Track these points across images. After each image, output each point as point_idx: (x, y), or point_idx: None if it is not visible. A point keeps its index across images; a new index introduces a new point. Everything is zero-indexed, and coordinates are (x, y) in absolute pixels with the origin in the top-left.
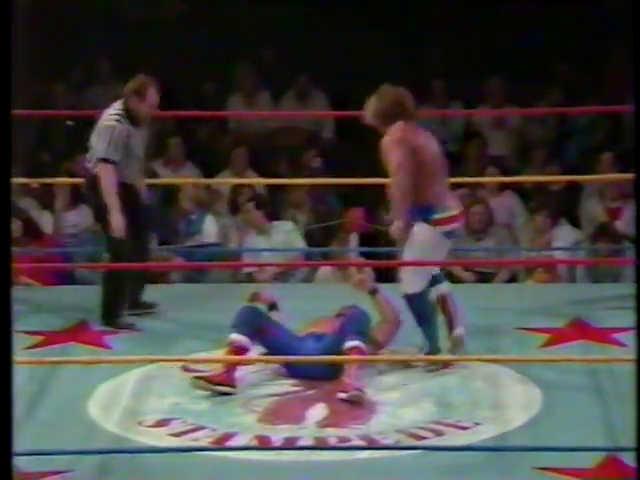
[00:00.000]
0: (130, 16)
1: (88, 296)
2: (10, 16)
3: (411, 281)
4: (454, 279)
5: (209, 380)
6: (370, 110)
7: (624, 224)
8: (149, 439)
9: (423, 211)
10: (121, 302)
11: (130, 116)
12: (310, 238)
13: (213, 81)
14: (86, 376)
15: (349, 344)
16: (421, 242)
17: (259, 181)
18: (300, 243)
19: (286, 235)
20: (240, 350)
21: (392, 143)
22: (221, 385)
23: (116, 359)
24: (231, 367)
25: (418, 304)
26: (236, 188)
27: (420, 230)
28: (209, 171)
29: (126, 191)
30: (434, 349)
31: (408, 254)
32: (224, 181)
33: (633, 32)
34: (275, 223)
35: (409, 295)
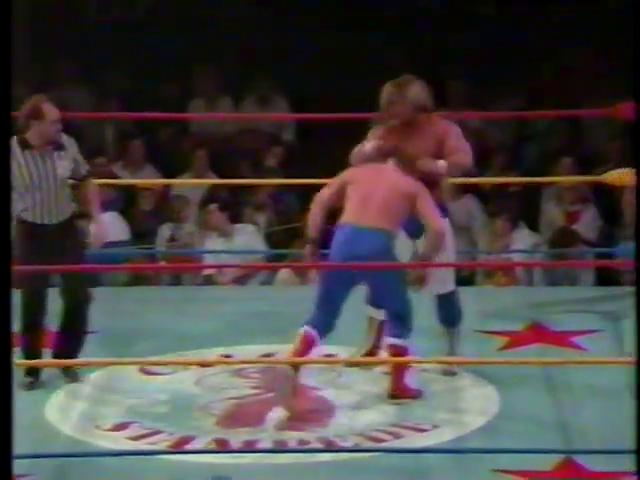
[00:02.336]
0: (93, 18)
1: (50, 299)
2: (10, 16)
3: (448, 279)
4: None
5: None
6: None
7: (582, 228)
8: (107, 442)
9: (446, 207)
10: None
11: (27, 144)
12: (271, 240)
13: (174, 83)
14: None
15: (390, 340)
16: (450, 237)
17: (219, 182)
18: (261, 246)
19: (248, 238)
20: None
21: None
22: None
23: (73, 362)
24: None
25: (454, 302)
26: (209, 192)
27: (446, 226)
28: (169, 173)
29: (21, 230)
30: (455, 352)
31: (446, 253)
32: (184, 182)
33: (633, 32)
34: (237, 226)
35: (446, 295)
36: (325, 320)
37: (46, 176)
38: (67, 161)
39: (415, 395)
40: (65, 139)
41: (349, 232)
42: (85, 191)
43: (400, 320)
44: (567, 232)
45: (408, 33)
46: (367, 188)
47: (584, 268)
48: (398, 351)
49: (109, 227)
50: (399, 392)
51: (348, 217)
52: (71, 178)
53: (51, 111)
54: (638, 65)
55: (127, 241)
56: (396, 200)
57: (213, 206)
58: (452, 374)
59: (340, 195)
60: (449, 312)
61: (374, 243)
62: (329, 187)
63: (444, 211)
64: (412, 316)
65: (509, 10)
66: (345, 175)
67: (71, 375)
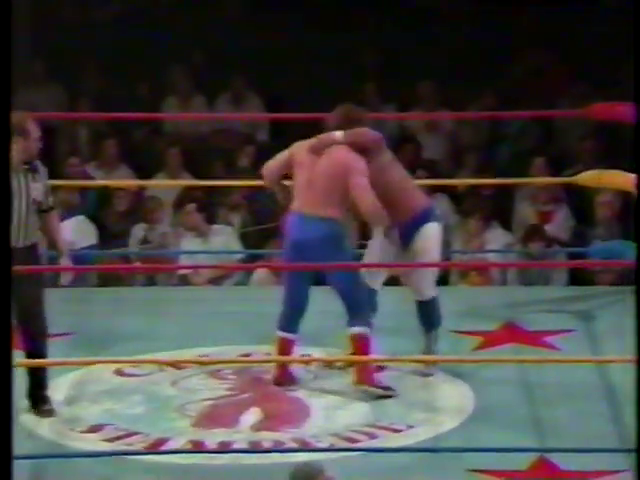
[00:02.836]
0: (65, 17)
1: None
2: (10, 16)
3: (430, 285)
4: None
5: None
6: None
7: (555, 227)
8: (82, 444)
9: (431, 211)
10: None
11: None
12: (245, 240)
13: (148, 83)
14: (19, 382)
15: (353, 330)
16: (436, 241)
17: (194, 183)
18: (238, 247)
19: (225, 239)
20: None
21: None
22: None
23: (49, 362)
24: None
25: (434, 307)
26: (184, 192)
27: (434, 230)
28: (143, 173)
29: None
30: (431, 353)
31: (429, 256)
32: (156, 184)
33: (633, 32)
34: (214, 227)
35: (428, 300)
36: (294, 316)
37: (19, 196)
38: (40, 185)
39: (382, 386)
40: (39, 165)
41: (296, 221)
42: (49, 222)
43: (355, 308)
44: (540, 231)
45: (380, 33)
46: (310, 171)
47: (557, 268)
48: (360, 339)
49: (77, 233)
50: (364, 380)
51: (296, 204)
52: (38, 207)
53: (35, 129)
54: (638, 65)
55: (95, 245)
56: (335, 182)
57: (191, 206)
58: (428, 375)
59: (288, 167)
60: (429, 317)
61: (318, 231)
62: (276, 159)
63: (433, 215)
64: (366, 304)
65: (481, 10)
66: (292, 149)
67: (43, 411)
